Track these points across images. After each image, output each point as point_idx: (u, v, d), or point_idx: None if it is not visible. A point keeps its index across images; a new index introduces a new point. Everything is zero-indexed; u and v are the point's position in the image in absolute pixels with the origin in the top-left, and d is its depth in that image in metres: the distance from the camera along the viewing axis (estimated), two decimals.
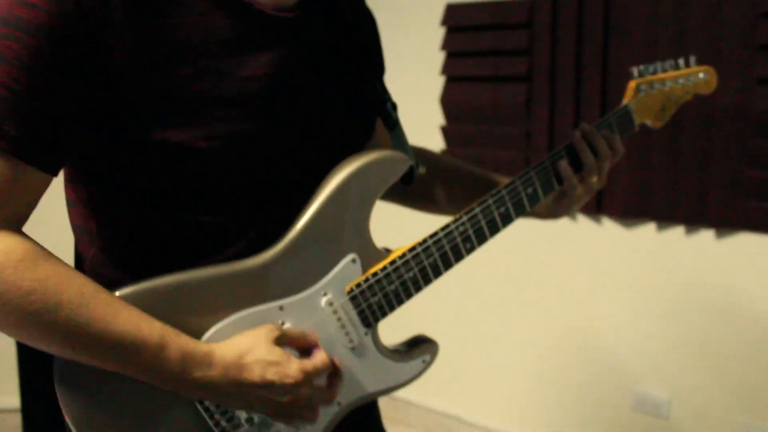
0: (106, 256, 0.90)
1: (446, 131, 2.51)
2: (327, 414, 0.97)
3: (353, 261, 0.96)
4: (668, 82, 1.17)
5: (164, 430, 0.88)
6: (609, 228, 2.28)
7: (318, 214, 0.93)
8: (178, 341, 0.82)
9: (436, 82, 2.50)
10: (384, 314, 1.00)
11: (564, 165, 1.09)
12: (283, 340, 0.89)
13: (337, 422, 0.99)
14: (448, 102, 2.48)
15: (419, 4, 2.54)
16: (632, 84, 1.16)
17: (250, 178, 0.88)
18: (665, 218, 2.15)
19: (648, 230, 2.21)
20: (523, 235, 2.46)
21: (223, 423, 0.90)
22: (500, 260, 2.55)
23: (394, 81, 2.67)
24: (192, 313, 0.87)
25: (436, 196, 1.22)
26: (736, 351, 2.09)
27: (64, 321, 0.76)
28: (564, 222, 2.34)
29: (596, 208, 2.25)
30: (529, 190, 1.08)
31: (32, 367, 2.22)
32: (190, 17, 0.81)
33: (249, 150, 0.86)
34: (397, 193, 1.17)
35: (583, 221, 2.32)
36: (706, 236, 2.11)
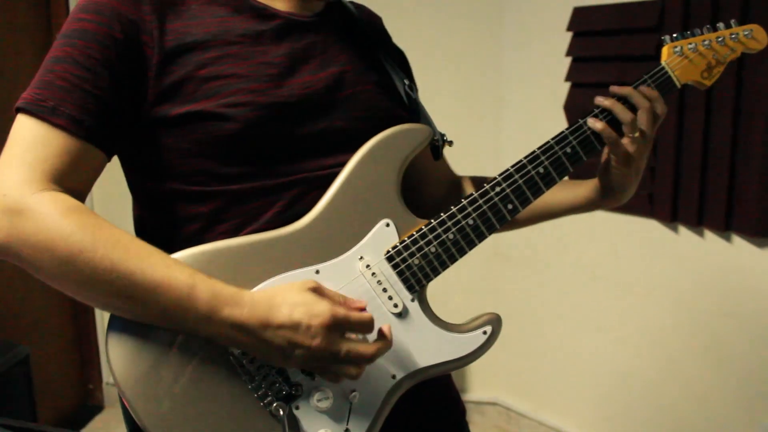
0: (148, 233, 1.01)
1: None
2: (382, 387, 0.96)
3: (387, 225, 0.98)
4: (706, 42, 1.13)
5: (211, 400, 0.91)
6: (739, 246, 2.11)
7: (347, 183, 0.98)
8: (208, 281, 0.86)
9: (561, 89, 2.45)
10: (428, 278, 0.99)
11: (590, 120, 1.06)
12: (319, 293, 0.88)
13: (395, 400, 0.98)
14: (572, 108, 2.42)
15: (546, 8, 2.51)
16: (666, 47, 1.13)
17: (277, 145, 0.95)
18: None
19: None
20: (650, 251, 2.35)
21: (270, 394, 0.91)
22: (630, 279, 2.44)
23: (518, 87, 2.69)
24: (232, 277, 0.90)
25: None
26: None
27: (99, 259, 0.83)
28: (690, 236, 2.20)
29: (725, 225, 2.09)
30: (567, 150, 1.05)
31: None
32: (211, 19, 0.96)
33: (270, 117, 0.94)
34: None
35: (710, 237, 2.17)
36: None
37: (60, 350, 3.02)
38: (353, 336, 0.90)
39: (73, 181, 0.89)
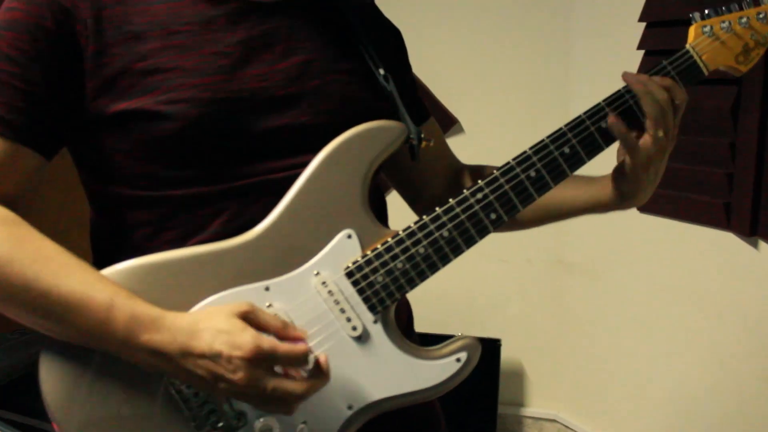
0: (100, 238, 0.94)
1: None
2: (335, 419, 0.86)
3: (349, 236, 0.87)
4: (743, 19, 0.95)
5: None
6: None
7: (305, 188, 0.87)
8: (127, 303, 0.78)
9: None
10: (392, 297, 0.87)
11: (611, 118, 0.91)
12: (251, 319, 0.79)
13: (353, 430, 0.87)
14: None
15: None
16: (694, 26, 0.96)
17: (225, 146, 0.85)
18: None
19: None
20: (726, 268, 2.12)
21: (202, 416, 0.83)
22: (703, 298, 2.22)
23: (586, 82, 2.49)
24: (173, 293, 0.82)
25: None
26: None
27: (15, 275, 0.77)
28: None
29: None
30: (566, 150, 0.91)
31: None
32: (157, 5, 0.86)
33: (216, 114, 0.84)
34: None
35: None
36: None
37: None
38: (282, 370, 0.79)
39: (3, 185, 0.83)
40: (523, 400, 2.85)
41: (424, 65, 2.45)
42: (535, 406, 2.84)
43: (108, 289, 0.79)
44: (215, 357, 0.76)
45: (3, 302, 0.80)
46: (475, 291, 2.78)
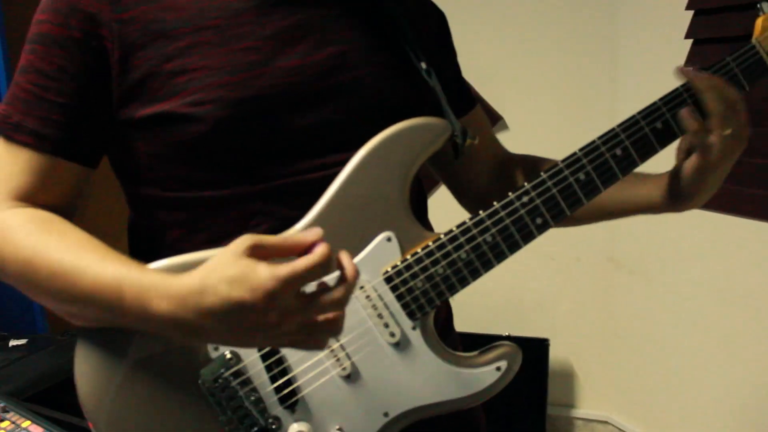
0: (136, 237, 0.94)
1: None
2: (371, 425, 0.84)
3: (388, 239, 0.84)
4: None
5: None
6: None
7: (343, 188, 0.84)
8: (135, 275, 0.75)
9: None
10: (432, 303, 0.85)
11: (684, 112, 0.87)
12: (258, 252, 0.70)
13: None
14: None
15: None
16: (761, 19, 0.90)
17: (256, 146, 0.83)
18: None
19: None
20: None
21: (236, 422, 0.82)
22: (761, 297, 2.14)
23: (633, 73, 2.43)
24: None
25: None
26: None
27: (39, 271, 0.79)
28: None
29: None
30: (617, 152, 0.87)
31: None
32: (184, 1, 0.83)
33: (246, 114, 0.81)
34: None
35: None
36: None
37: None
38: (313, 286, 0.71)
39: (45, 197, 0.83)
40: (573, 401, 2.80)
41: (467, 61, 2.42)
42: (585, 408, 2.78)
43: (114, 267, 0.76)
44: (239, 308, 0.68)
45: (37, 297, 0.81)
46: (522, 289, 2.74)
